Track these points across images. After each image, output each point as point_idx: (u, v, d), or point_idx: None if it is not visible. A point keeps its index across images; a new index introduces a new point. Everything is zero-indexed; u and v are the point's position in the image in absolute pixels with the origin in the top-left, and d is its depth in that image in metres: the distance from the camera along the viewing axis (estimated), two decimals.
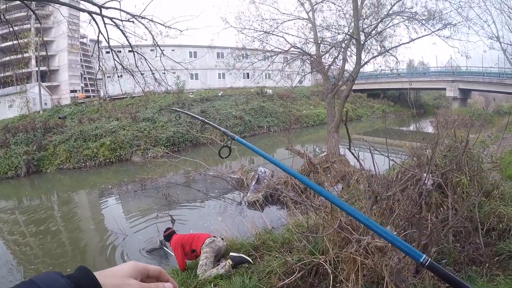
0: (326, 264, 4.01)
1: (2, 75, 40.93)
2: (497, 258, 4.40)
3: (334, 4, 14.90)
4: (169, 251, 7.50)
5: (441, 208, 5.05)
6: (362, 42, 13.36)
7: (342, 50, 14.30)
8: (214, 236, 5.95)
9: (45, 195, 17.50)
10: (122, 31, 9.19)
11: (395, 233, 3.56)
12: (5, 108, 36.02)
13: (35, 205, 15.11)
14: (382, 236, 0.80)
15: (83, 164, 22.48)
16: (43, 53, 35.53)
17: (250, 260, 4.85)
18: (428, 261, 0.67)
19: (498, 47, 21.43)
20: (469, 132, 6.04)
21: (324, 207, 4.57)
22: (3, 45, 39.81)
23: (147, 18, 9.30)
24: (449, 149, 6.10)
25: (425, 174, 4.73)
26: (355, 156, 4.36)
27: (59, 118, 30.56)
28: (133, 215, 11.79)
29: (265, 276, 4.56)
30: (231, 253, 5.14)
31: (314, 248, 4.48)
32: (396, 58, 15.34)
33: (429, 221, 4.34)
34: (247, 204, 11.16)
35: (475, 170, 5.79)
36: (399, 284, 3.36)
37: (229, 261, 5.06)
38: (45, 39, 36.85)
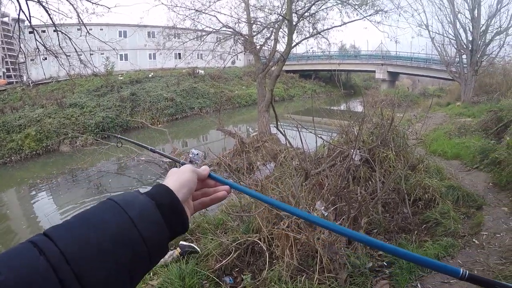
0: (261, 242, 4.05)
1: None
2: (424, 225, 4.75)
3: None
4: None
5: (370, 182, 5.26)
6: (294, 24, 13.50)
7: (274, 30, 14.38)
8: None
9: None
10: (44, 7, 8.58)
11: (324, 207, 3.65)
12: None
13: None
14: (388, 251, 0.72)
15: (8, 159, 20.68)
16: None
17: (198, 249, 4.76)
18: (467, 274, 0.63)
19: (426, 35, 22.79)
20: (394, 111, 6.33)
21: (255, 185, 4.59)
22: None
23: None
24: (376, 126, 6.37)
25: (352, 150, 4.89)
26: (283, 134, 4.43)
27: None
28: (66, 209, 11.34)
29: (203, 260, 4.54)
30: (181, 242, 5.02)
31: (248, 227, 4.52)
32: (328, 40, 15.76)
33: (358, 194, 4.51)
34: None
35: (401, 146, 6.10)
36: (333, 256, 3.46)
37: (178, 249, 4.93)
38: None
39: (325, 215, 3.53)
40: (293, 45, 13.73)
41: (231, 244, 4.34)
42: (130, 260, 0.59)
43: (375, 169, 5.27)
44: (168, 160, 13.14)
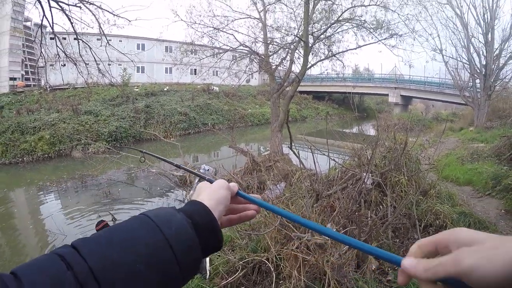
0: (268, 262, 4.02)
1: None
2: None
3: (287, 6, 15.06)
4: None
5: (381, 206, 5.23)
6: (310, 45, 13.60)
7: (290, 51, 14.49)
8: None
9: None
10: (67, 16, 8.76)
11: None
12: None
13: None
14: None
15: (20, 159, 21.10)
16: None
17: (208, 273, 4.67)
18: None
19: (440, 59, 22.66)
20: (408, 135, 6.31)
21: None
22: None
23: (95, 5, 8.97)
24: (389, 150, 6.35)
25: (365, 174, 4.87)
26: (296, 155, 4.43)
27: None
28: (73, 213, 11.35)
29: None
30: (207, 260, 4.95)
31: (256, 246, 4.49)
32: (343, 63, 15.82)
33: (368, 218, 4.48)
34: None
35: (413, 170, 6.06)
36: (341, 279, 3.44)
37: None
38: None
39: None
40: (308, 66, 13.80)
41: (238, 262, 4.31)
42: (161, 281, 0.57)
43: (386, 193, 5.24)
44: (179, 174, 13.19)
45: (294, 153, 4.31)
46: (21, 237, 10.34)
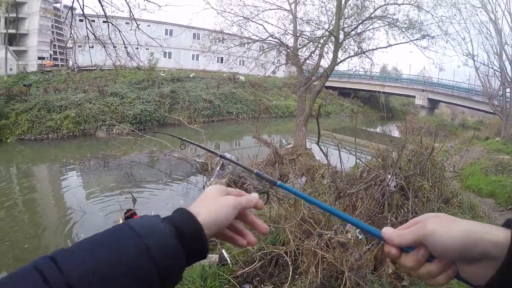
0: (286, 256, 4.03)
1: None
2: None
3: None
4: None
5: (402, 210, 5.17)
6: (340, 41, 13.46)
7: (320, 45, 14.35)
8: None
9: (3, 166, 16.80)
10: None
11: (359, 230, 3.62)
12: None
13: None
14: None
15: (45, 136, 21.65)
16: (13, 14, 34.00)
17: (229, 263, 4.72)
18: None
19: (471, 65, 22.13)
20: (435, 140, 6.21)
21: (287, 198, 4.59)
22: None
23: None
24: (414, 154, 6.25)
25: (389, 176, 4.82)
26: (322, 151, 4.41)
27: (24, 85, 29.16)
28: (94, 192, 11.54)
29: (225, 264, 4.57)
30: (223, 251, 4.99)
31: (275, 238, 4.50)
32: (372, 61, 15.59)
33: (388, 221, 4.44)
34: None
35: (437, 177, 5.96)
36: (358, 280, 3.42)
37: (217, 258, 4.89)
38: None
39: (360, 238, 3.50)
40: (337, 62, 13.67)
41: (256, 253, 4.34)
42: None
43: (408, 198, 5.18)
44: (201, 160, 13.27)
45: (321, 149, 4.27)
46: (41, 210, 10.63)
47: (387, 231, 0.67)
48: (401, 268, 0.69)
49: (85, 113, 23.28)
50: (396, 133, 21.94)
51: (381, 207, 4.69)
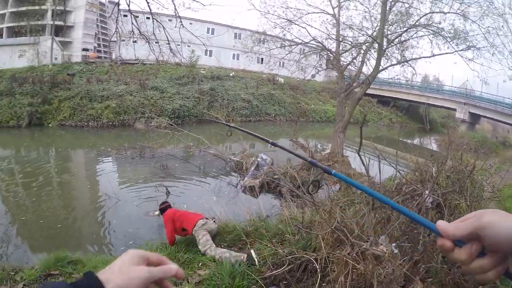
0: (316, 262, 4.02)
1: (17, 24, 40.83)
2: (480, 286, 4.43)
3: (362, 4, 14.71)
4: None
5: None
6: (384, 48, 13.25)
7: (363, 51, 14.17)
8: (207, 218, 5.98)
9: (43, 148, 17.64)
10: None
11: (395, 244, 3.58)
12: (15, 57, 35.45)
13: (33, 157, 15.30)
14: None
15: (86, 123, 22.65)
16: (61, 7, 35.31)
17: (257, 264, 4.75)
18: None
19: None
20: (477, 157, 6.04)
21: (323, 205, 4.57)
22: None
23: None
24: (453, 170, 6.08)
25: (427, 191, 4.73)
26: (363, 162, 4.36)
27: (68, 74, 30.43)
28: (129, 181, 11.83)
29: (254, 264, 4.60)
30: (252, 251, 5.03)
31: (307, 244, 4.49)
32: (414, 70, 15.24)
33: (421, 236, 4.35)
34: (242, 188, 11.10)
35: (475, 196, 5.78)
36: None
37: (245, 257, 4.95)
38: None
39: (395, 252, 3.46)
40: (380, 69, 13.45)
41: (286, 256, 4.34)
42: None
43: (443, 215, 5.06)
44: (236, 159, 13.32)
45: (361, 159, 4.23)
46: (76, 193, 11.06)
47: (442, 224, 0.70)
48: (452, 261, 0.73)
49: (125, 105, 24.05)
50: (433, 146, 21.45)
51: (415, 223, 4.60)
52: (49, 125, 22.39)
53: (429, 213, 5.10)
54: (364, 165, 4.45)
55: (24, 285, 4.61)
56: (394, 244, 3.49)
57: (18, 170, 12.92)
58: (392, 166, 5.35)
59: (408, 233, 4.01)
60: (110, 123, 23.29)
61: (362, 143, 3.74)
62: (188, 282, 4.38)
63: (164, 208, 6.33)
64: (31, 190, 10.53)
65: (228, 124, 2.58)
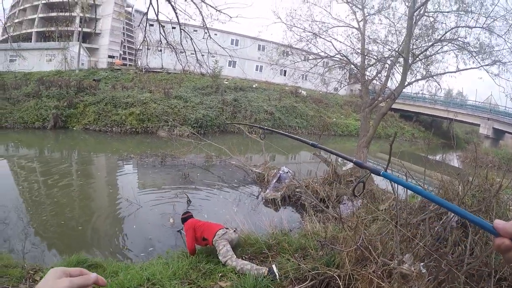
0: (339, 279, 4.00)
1: (47, 29, 42.07)
2: None
3: (387, 18, 14.65)
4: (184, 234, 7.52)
5: (459, 247, 4.97)
6: (410, 63, 13.15)
7: (388, 66, 14.09)
8: (227, 228, 6.00)
9: (67, 150, 18.02)
10: (173, 7, 9.25)
11: (423, 264, 3.56)
12: (43, 61, 36.77)
13: (56, 159, 15.72)
14: None
15: (109, 129, 23.16)
16: (89, 15, 36.33)
17: (278, 279, 4.76)
18: None
19: None
20: (504, 176, 5.93)
21: (348, 221, 4.56)
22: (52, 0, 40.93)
23: None
24: (479, 189, 5.98)
25: None
26: (389, 179, 4.34)
27: (94, 80, 31.17)
28: (149, 188, 11.95)
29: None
30: (273, 266, 5.05)
31: (330, 260, 4.48)
32: (439, 85, 15.06)
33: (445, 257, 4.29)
34: (263, 200, 11.11)
35: (501, 216, 5.68)
36: None
37: (266, 270, 4.96)
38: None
39: (423, 271, 3.43)
40: (405, 84, 13.34)
41: (309, 271, 4.32)
42: None
43: (467, 235, 4.97)
44: (258, 170, 13.33)
45: (389, 176, 4.20)
46: (96, 197, 11.18)
47: (501, 222, 0.70)
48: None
49: (149, 112, 24.41)
50: (455, 163, 21.10)
51: (445, 242, 4.55)
52: (74, 128, 22.99)
53: (454, 232, 5.03)
54: (391, 183, 4.43)
55: None
56: (422, 264, 3.47)
57: (40, 171, 13.22)
58: (419, 184, 5.30)
59: (434, 252, 3.97)
60: (134, 129, 23.69)
61: (390, 161, 3.74)
62: None
63: (186, 217, 6.40)
64: (52, 191, 10.76)
65: (263, 127, 2.63)
